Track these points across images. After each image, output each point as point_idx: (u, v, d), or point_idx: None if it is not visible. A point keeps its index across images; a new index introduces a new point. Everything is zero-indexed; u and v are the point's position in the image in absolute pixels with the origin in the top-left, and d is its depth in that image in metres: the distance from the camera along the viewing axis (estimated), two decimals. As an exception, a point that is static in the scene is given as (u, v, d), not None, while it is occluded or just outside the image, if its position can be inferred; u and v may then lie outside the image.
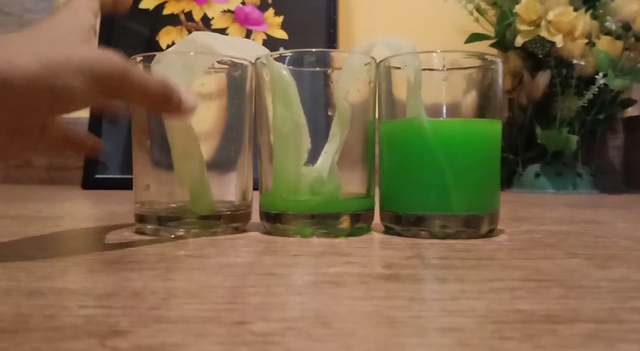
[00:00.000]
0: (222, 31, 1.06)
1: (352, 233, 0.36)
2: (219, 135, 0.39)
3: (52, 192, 0.88)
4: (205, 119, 0.38)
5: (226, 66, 0.38)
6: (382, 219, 0.39)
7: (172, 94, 0.30)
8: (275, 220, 0.37)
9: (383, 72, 0.38)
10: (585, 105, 0.91)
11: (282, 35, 1.07)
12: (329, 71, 0.37)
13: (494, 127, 0.37)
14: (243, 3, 1.08)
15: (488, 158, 0.36)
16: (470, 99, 0.37)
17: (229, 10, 1.08)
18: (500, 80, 0.37)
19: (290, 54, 0.36)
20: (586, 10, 0.91)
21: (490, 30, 1.02)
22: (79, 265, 0.26)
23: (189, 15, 1.07)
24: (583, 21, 0.89)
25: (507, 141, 0.99)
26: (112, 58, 0.27)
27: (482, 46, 0.99)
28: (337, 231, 0.36)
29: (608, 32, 0.91)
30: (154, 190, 0.37)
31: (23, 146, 0.29)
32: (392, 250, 0.31)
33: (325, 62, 0.37)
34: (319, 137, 0.35)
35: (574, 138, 0.93)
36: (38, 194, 0.81)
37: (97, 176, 0.99)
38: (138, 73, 0.28)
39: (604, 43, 0.91)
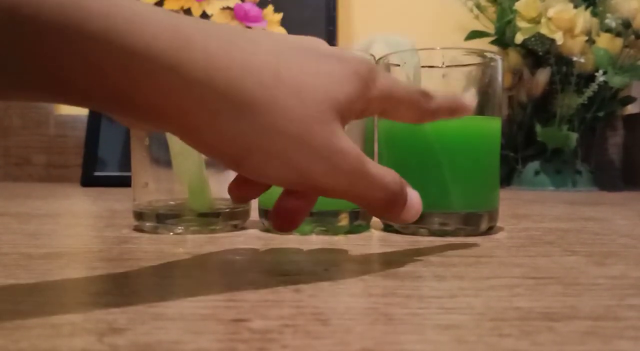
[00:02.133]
0: (222, 28, 1.06)
1: (351, 230, 0.36)
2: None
3: (51, 189, 0.88)
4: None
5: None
6: (381, 216, 0.39)
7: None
8: (274, 218, 0.36)
9: (382, 69, 0.38)
10: (585, 102, 0.91)
11: (281, 32, 1.06)
12: (328, 68, 0.37)
13: (493, 125, 0.37)
14: (242, 0, 1.08)
15: (487, 156, 0.36)
16: (469, 96, 0.37)
17: (228, 7, 1.07)
18: (499, 78, 0.37)
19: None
20: (586, 8, 0.91)
21: (490, 28, 1.02)
22: (77, 262, 0.26)
23: (188, 13, 1.06)
24: (583, 18, 0.89)
25: (506, 138, 0.99)
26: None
27: (482, 43, 0.99)
28: (336, 228, 0.36)
29: (608, 30, 0.91)
30: (152, 188, 0.37)
31: None
32: (391, 247, 0.31)
33: (324, 59, 0.37)
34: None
35: (574, 136, 0.93)
36: (37, 191, 0.81)
37: (96, 173, 0.99)
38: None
39: (604, 40, 0.91)
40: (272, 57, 0.20)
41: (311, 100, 0.20)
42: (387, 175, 0.23)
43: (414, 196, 0.24)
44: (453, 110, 0.27)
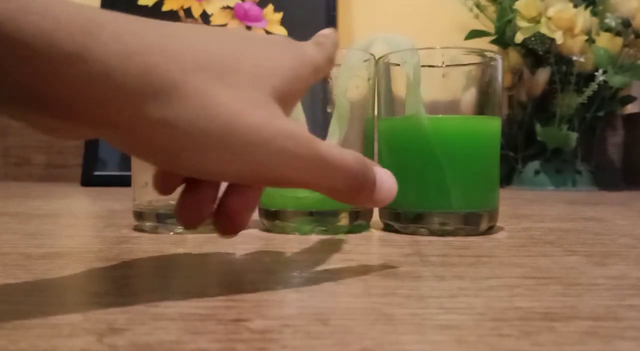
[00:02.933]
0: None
1: (351, 230, 0.36)
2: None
3: (51, 189, 0.88)
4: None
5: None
6: (381, 216, 0.39)
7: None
8: (274, 217, 0.37)
9: (382, 69, 0.38)
10: (585, 102, 0.91)
11: (281, 31, 1.06)
12: (328, 68, 0.37)
13: (493, 124, 0.37)
14: (242, 0, 1.08)
15: (487, 156, 0.36)
16: (469, 96, 0.37)
17: (228, 7, 1.07)
18: (499, 77, 0.37)
19: (289, 51, 0.36)
20: (586, 7, 0.91)
21: (490, 27, 1.02)
22: (77, 262, 0.26)
23: (188, 12, 1.06)
24: (583, 18, 0.89)
25: (506, 138, 0.99)
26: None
27: (482, 43, 0.99)
28: (336, 228, 0.36)
29: (608, 29, 0.91)
30: (152, 187, 0.37)
31: None
32: (391, 247, 0.31)
33: (324, 58, 0.37)
34: (318, 133, 0.35)
35: (574, 135, 0.93)
36: (37, 191, 0.81)
37: (96, 173, 0.99)
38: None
39: (604, 40, 0.91)
40: (193, 42, 0.19)
41: (240, 83, 0.19)
42: (348, 156, 0.21)
43: (384, 175, 0.23)
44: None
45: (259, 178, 0.20)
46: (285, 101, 0.20)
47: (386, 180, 0.23)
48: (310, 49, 0.23)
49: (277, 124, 0.19)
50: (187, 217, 0.22)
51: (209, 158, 0.18)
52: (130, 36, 0.17)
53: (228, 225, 0.22)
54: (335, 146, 0.21)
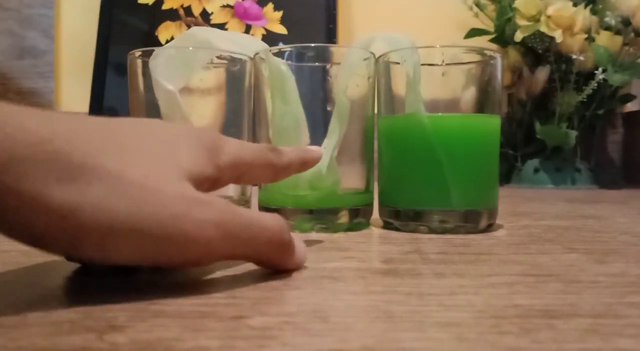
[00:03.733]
0: (222, 26, 1.06)
1: (350, 228, 0.36)
2: (218, 130, 0.39)
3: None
4: (204, 114, 0.38)
5: (225, 61, 0.38)
6: (381, 214, 0.39)
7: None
8: (274, 215, 0.37)
9: (382, 67, 0.38)
10: (585, 100, 0.91)
11: (281, 30, 1.06)
12: (328, 66, 0.37)
13: (492, 122, 0.37)
14: (242, -2, 1.07)
15: (487, 154, 0.36)
16: (469, 94, 0.37)
17: (228, 5, 1.07)
18: (499, 76, 0.37)
19: (289, 49, 0.36)
20: (585, 5, 0.91)
21: (489, 26, 1.02)
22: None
23: (188, 10, 1.06)
24: (582, 16, 0.89)
25: (506, 136, 0.99)
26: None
27: (482, 41, 0.99)
28: (336, 226, 0.36)
29: (607, 27, 0.91)
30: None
31: None
32: (391, 245, 0.31)
33: (324, 57, 0.37)
34: (318, 132, 0.35)
35: (573, 134, 0.93)
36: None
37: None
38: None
39: (604, 38, 0.91)
40: (102, 127, 0.19)
41: (152, 164, 0.19)
42: (268, 217, 0.21)
43: (297, 240, 0.23)
44: (304, 162, 0.28)
45: (180, 260, 0.19)
46: (198, 185, 0.20)
47: (300, 245, 0.23)
48: (232, 146, 0.23)
49: (193, 194, 0.19)
50: None
51: (117, 241, 0.17)
52: (36, 126, 0.17)
53: None
54: (256, 212, 0.21)
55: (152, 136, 0.20)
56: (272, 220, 0.21)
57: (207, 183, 0.21)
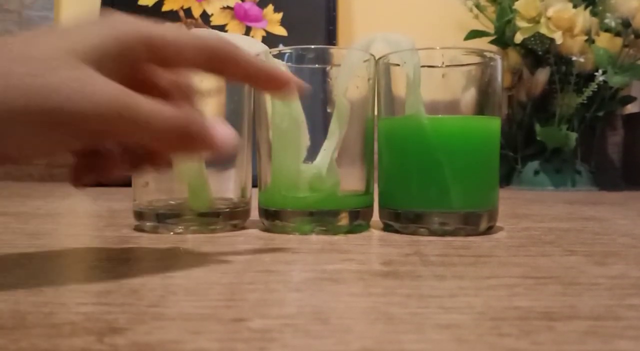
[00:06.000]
0: (222, 28, 1.06)
1: (351, 230, 0.36)
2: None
3: (51, 189, 0.88)
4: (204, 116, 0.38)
5: (225, 63, 0.38)
6: (381, 216, 0.39)
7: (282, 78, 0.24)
8: (274, 217, 0.37)
9: (382, 69, 0.38)
10: (585, 102, 0.91)
11: (281, 31, 1.06)
12: (328, 68, 0.37)
13: (493, 124, 0.37)
14: (242, 0, 1.08)
15: (487, 155, 0.36)
16: (469, 96, 0.37)
17: (228, 7, 1.07)
18: (499, 77, 0.37)
19: (289, 51, 0.36)
20: (585, 7, 0.91)
21: (489, 27, 1.02)
22: (77, 262, 0.26)
23: (188, 12, 1.06)
24: (582, 18, 0.89)
25: (506, 138, 0.99)
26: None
27: (482, 43, 0.99)
28: (336, 228, 0.36)
29: (607, 29, 0.91)
30: (152, 187, 0.37)
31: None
32: (391, 247, 0.31)
33: (324, 58, 0.37)
34: (318, 133, 0.35)
35: (573, 135, 0.93)
36: (37, 191, 0.81)
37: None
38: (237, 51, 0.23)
39: (604, 40, 0.91)
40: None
41: (44, 51, 0.19)
42: (167, 107, 0.21)
43: (216, 124, 0.23)
44: (270, 78, 0.25)
45: (79, 140, 0.20)
46: (96, 63, 0.20)
47: (220, 129, 0.23)
48: (132, 22, 0.22)
49: (87, 76, 0.19)
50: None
51: (16, 134, 0.18)
52: None
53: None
54: (153, 100, 0.21)
55: (46, 32, 0.21)
56: (170, 110, 0.21)
57: (115, 64, 0.21)
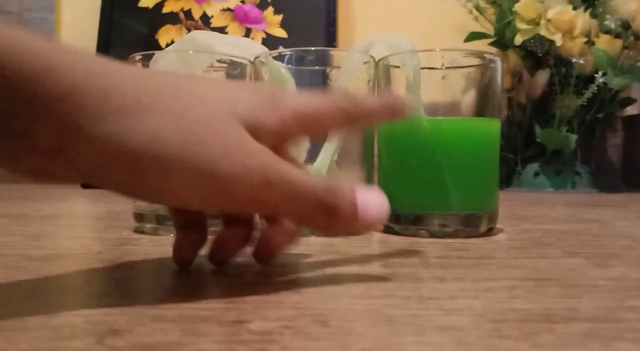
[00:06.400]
0: (222, 30, 1.06)
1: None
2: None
3: (51, 190, 0.88)
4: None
5: (225, 65, 0.38)
6: (381, 218, 0.39)
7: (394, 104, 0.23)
8: (274, 219, 0.36)
9: (382, 71, 0.38)
10: (585, 103, 0.91)
11: (281, 33, 1.07)
12: (328, 70, 0.37)
13: (492, 126, 0.37)
14: (242, 1, 1.08)
15: (487, 157, 0.36)
16: (469, 98, 0.37)
17: (228, 9, 1.08)
18: (499, 79, 0.37)
19: (289, 53, 0.36)
20: (585, 9, 0.91)
21: (489, 29, 1.02)
22: (77, 263, 0.26)
23: (188, 14, 1.07)
24: (582, 20, 0.89)
25: (506, 140, 0.99)
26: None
27: (482, 45, 0.99)
28: (336, 230, 0.36)
29: (607, 31, 0.91)
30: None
31: None
32: (391, 249, 0.31)
33: (324, 60, 0.37)
34: (318, 135, 0.35)
35: (573, 137, 0.93)
36: (37, 193, 0.81)
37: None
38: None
39: (603, 42, 0.91)
40: (158, 73, 0.20)
41: (209, 108, 0.19)
42: (314, 181, 0.20)
43: (369, 197, 0.21)
44: (388, 108, 0.24)
45: (223, 201, 0.19)
46: (257, 134, 0.20)
47: (372, 203, 0.20)
48: (294, 97, 0.22)
49: (245, 142, 0.19)
50: (219, 258, 0.24)
51: (170, 175, 0.18)
52: (93, 61, 0.18)
53: (266, 257, 0.24)
54: (301, 171, 0.20)
55: (209, 84, 0.21)
56: (316, 184, 0.20)
57: (269, 136, 0.20)
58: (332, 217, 0.20)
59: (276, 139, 0.21)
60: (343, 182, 0.21)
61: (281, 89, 0.23)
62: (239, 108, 0.20)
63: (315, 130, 0.23)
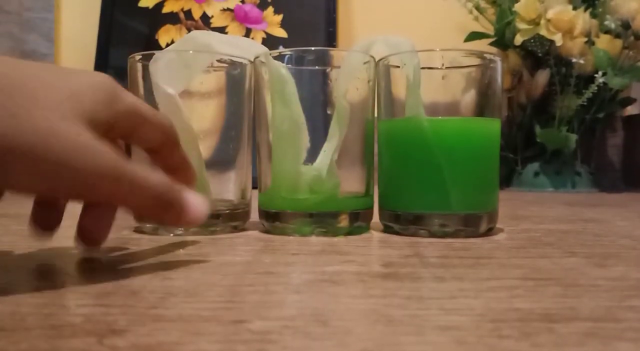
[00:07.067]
0: (222, 30, 1.06)
1: (350, 231, 0.36)
2: (218, 133, 0.39)
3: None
4: (204, 118, 0.38)
5: (225, 65, 0.38)
6: (381, 218, 0.39)
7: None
8: (274, 219, 0.37)
9: (382, 71, 0.38)
10: (585, 103, 0.91)
11: (281, 33, 1.06)
12: (328, 70, 0.37)
13: (493, 126, 0.37)
14: (242, 1, 1.08)
15: (487, 157, 0.36)
16: (469, 98, 0.37)
17: (228, 9, 1.08)
18: (499, 79, 0.37)
19: (289, 53, 0.36)
20: (585, 9, 0.91)
21: (489, 29, 1.02)
22: (77, 263, 0.26)
23: (188, 14, 1.07)
24: (582, 20, 0.89)
25: (506, 140, 0.99)
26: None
27: (482, 45, 0.99)
28: (336, 230, 0.36)
29: (607, 31, 0.91)
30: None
31: None
32: (391, 248, 0.31)
33: (324, 60, 0.37)
34: (318, 135, 0.35)
35: (573, 137, 0.93)
36: (37, 193, 0.81)
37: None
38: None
39: (603, 41, 0.91)
40: (10, 68, 0.20)
41: (49, 100, 0.20)
42: (152, 175, 0.23)
43: (193, 199, 0.24)
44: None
45: (65, 190, 0.21)
46: (93, 125, 0.21)
47: (196, 203, 0.24)
48: (130, 96, 0.24)
49: (84, 139, 0.20)
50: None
51: (16, 170, 0.19)
52: None
53: (88, 241, 0.25)
54: (145, 167, 0.23)
55: (47, 76, 0.21)
56: (157, 182, 0.23)
57: (102, 127, 0.22)
58: (167, 211, 0.24)
59: (107, 130, 0.22)
60: (175, 184, 0.24)
61: (117, 83, 0.24)
62: (81, 100, 0.21)
63: (136, 135, 0.25)
